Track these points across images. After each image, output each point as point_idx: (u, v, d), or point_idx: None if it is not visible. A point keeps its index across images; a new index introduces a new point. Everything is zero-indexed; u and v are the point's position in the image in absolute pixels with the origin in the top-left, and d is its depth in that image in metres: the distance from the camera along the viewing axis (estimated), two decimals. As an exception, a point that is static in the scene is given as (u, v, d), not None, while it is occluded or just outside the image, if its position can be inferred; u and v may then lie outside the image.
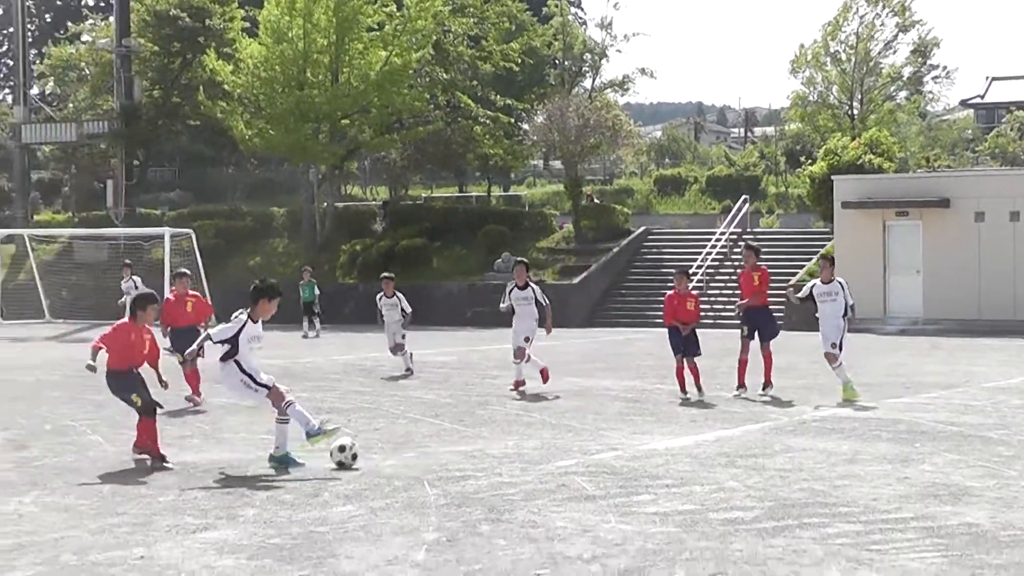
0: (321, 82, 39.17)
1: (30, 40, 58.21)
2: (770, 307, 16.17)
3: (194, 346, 10.63)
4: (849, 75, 52.47)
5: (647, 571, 6.66)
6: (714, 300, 33.30)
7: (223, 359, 10.20)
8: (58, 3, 79.48)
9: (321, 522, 7.97)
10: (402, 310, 19.45)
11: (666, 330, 15.54)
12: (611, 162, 65.92)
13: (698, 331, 15.37)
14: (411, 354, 19.43)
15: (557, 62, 54.68)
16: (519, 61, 46.89)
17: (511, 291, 16.55)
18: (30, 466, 10.44)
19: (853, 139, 39.45)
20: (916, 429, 12.30)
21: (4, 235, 41.93)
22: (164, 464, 10.22)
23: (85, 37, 59.20)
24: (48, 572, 6.81)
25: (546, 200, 55.99)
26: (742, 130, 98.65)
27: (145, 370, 10.86)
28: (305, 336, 30.03)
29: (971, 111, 73.66)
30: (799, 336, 24.06)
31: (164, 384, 10.88)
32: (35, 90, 59.87)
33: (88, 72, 55.11)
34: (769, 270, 16.63)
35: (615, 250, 38.10)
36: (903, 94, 56.57)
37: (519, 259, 17.48)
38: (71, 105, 56.65)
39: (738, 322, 16.59)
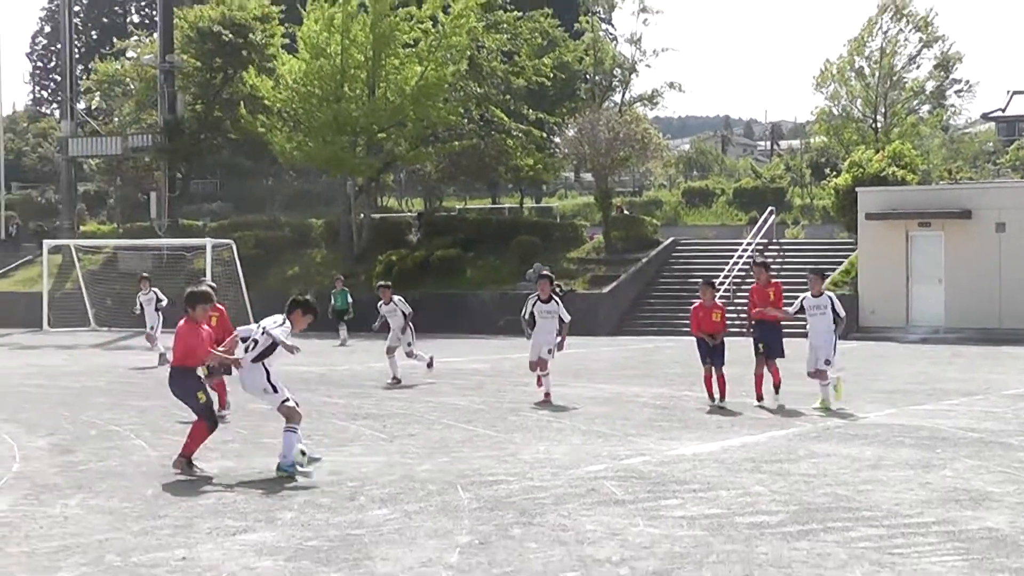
0: (358, 96, 39.56)
1: (77, 56, 58.43)
2: (781, 326, 15.77)
3: (227, 358, 10.53)
4: (873, 89, 52.67)
5: (675, 574, 6.79)
6: (741, 309, 33.79)
7: (255, 360, 10.18)
8: (104, 20, 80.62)
9: (357, 525, 8.09)
10: (403, 313, 19.47)
11: (694, 339, 15.65)
12: (640, 174, 66.15)
13: (725, 339, 15.32)
14: (431, 358, 19.46)
15: (588, 77, 54.75)
16: (551, 76, 47.09)
17: (534, 304, 16.39)
18: (75, 470, 10.55)
19: (877, 152, 39.70)
20: (938, 435, 12.44)
21: (51, 245, 42.09)
22: (193, 471, 10.14)
23: (130, 53, 59.35)
24: (93, 573, 6.93)
25: (577, 211, 56.10)
26: (768, 143, 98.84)
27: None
28: (343, 344, 30.29)
29: (992, 124, 73.40)
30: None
31: (238, 364, 10.57)
32: (82, 105, 59.83)
33: (133, 87, 55.13)
34: (794, 280, 16.38)
35: (644, 260, 38.35)
36: (926, 108, 56.59)
37: (544, 273, 17.36)
38: (116, 119, 56.94)
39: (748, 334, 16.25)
